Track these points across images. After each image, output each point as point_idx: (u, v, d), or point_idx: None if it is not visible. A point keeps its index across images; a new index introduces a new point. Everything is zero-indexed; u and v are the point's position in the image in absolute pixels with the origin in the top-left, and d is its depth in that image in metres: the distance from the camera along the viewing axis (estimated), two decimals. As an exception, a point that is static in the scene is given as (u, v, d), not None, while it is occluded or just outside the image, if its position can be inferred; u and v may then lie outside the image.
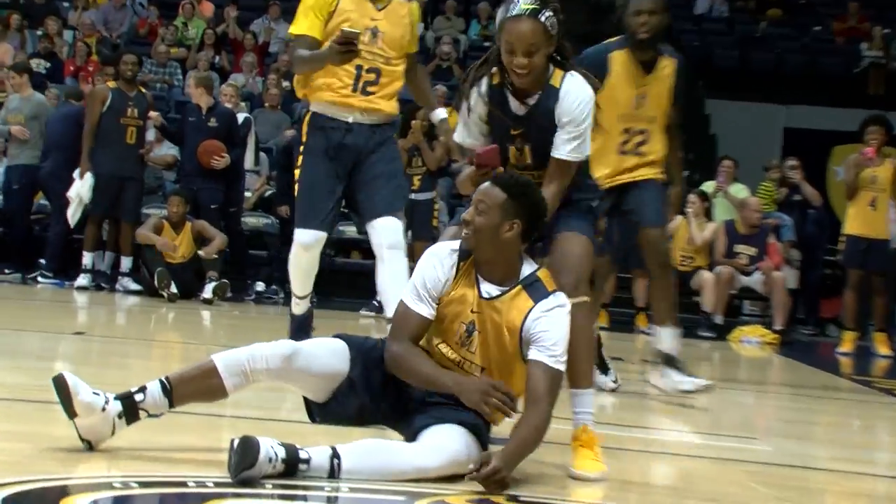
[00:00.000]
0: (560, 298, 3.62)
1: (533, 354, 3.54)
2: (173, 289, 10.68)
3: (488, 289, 3.63)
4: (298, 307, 5.97)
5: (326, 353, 3.59)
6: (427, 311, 3.63)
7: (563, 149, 3.93)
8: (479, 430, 3.58)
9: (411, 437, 3.54)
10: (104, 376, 3.46)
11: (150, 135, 11.71)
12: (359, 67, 5.33)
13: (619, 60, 5.86)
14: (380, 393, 3.62)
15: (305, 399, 3.67)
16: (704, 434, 5.27)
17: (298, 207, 5.55)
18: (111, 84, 11.45)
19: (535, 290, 3.61)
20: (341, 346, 3.62)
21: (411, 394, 3.63)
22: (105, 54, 15.93)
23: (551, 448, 3.85)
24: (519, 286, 3.61)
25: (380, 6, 5.43)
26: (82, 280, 11.20)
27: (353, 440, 3.40)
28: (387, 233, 5.42)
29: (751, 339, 11.62)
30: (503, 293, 3.61)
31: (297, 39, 5.32)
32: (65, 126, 11.79)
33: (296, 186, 5.55)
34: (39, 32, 16.80)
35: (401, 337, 3.62)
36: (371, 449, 3.36)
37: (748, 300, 12.92)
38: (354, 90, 5.36)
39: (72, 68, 16.05)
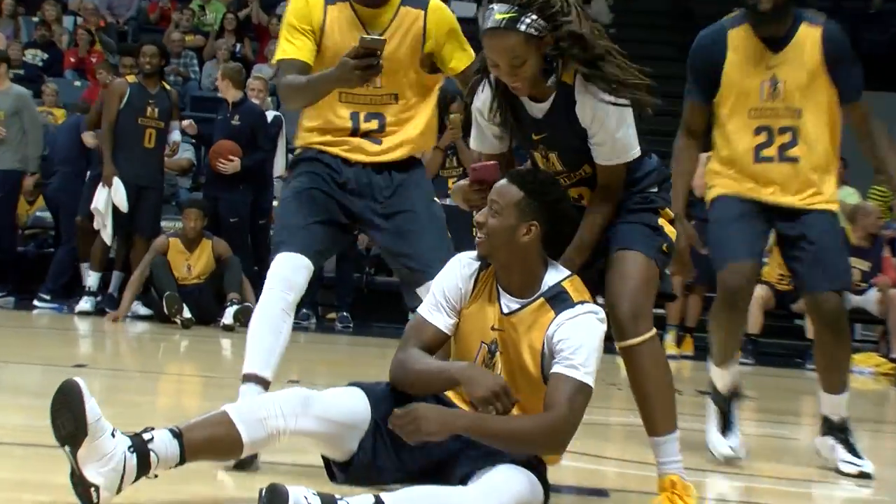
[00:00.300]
0: (589, 307, 3.60)
1: (553, 369, 3.52)
2: (186, 313, 10.75)
3: (508, 302, 3.65)
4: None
5: (345, 398, 3.60)
6: (443, 321, 3.68)
7: (602, 155, 3.93)
8: (539, 472, 3.58)
9: (459, 484, 3.51)
10: (110, 416, 3.48)
11: (176, 135, 11.71)
12: (354, 115, 4.63)
13: (737, 39, 5.17)
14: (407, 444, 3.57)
15: (325, 459, 3.67)
16: (811, 482, 5.22)
17: (276, 238, 4.66)
18: (131, 78, 11.50)
19: (560, 301, 3.60)
20: (358, 391, 3.63)
21: (445, 444, 3.56)
22: (117, 44, 16.11)
23: (629, 497, 3.83)
24: (541, 299, 3.62)
25: (376, 33, 4.50)
26: (85, 304, 11.31)
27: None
28: None
29: (864, 370, 11.50)
30: (522, 307, 3.62)
31: (282, 66, 4.60)
32: (71, 138, 11.98)
33: (274, 228, 4.78)
34: (36, 19, 16.99)
35: (407, 346, 3.66)
36: (420, 495, 3.35)
37: (860, 323, 12.80)
38: (353, 136, 4.67)
39: (72, 60, 16.23)
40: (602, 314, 3.60)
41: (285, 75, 4.54)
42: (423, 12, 4.61)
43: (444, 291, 3.72)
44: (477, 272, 3.72)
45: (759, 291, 11.53)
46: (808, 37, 5.11)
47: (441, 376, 3.55)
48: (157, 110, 11.31)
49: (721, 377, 5.50)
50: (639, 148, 3.95)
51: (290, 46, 4.56)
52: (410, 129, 4.67)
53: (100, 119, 11.43)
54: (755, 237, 5.16)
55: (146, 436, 3.44)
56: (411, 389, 3.60)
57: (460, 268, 3.74)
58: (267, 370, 4.41)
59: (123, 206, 11.08)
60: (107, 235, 11.25)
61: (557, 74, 3.81)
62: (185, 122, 12.10)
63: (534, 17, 3.70)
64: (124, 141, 11.15)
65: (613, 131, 3.86)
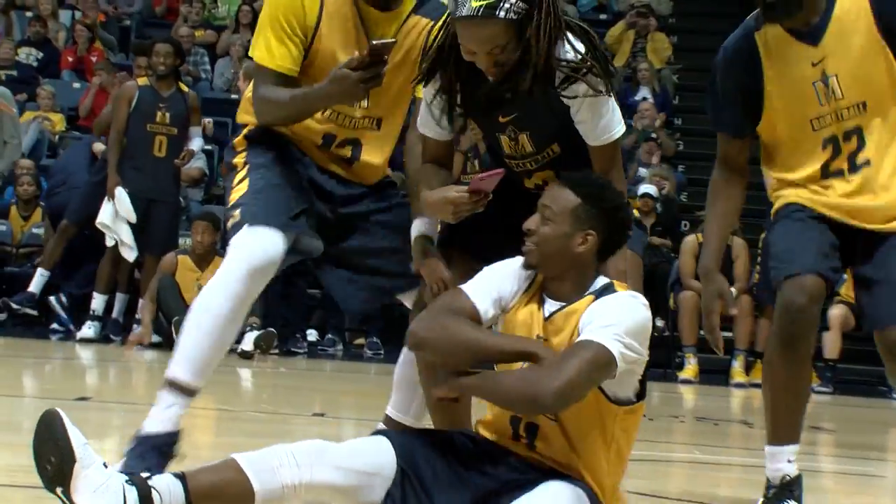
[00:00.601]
0: (631, 292, 3.61)
1: None
2: (199, 340, 10.74)
3: (551, 306, 3.66)
4: (168, 412, 4.11)
5: (366, 446, 3.59)
6: (483, 307, 3.63)
7: (590, 134, 4.00)
8: (594, 499, 3.59)
9: None
10: (114, 455, 3.52)
11: (196, 143, 11.69)
12: (329, 137, 4.40)
13: (768, 41, 4.52)
14: (444, 486, 3.56)
15: None
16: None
17: (246, 208, 4.21)
18: (142, 81, 11.54)
19: (605, 292, 3.60)
20: (381, 438, 3.62)
21: (484, 482, 3.57)
22: (120, 41, 16.22)
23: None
24: (590, 296, 3.61)
25: (382, 40, 4.18)
26: (88, 330, 11.37)
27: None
28: None
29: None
30: (565, 307, 3.62)
31: (260, 73, 4.32)
32: (84, 155, 12.14)
33: (233, 198, 4.30)
34: (29, 14, 17.09)
35: (445, 314, 3.61)
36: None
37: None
38: (322, 151, 4.44)
39: (70, 59, 16.31)
40: (645, 300, 3.60)
41: (264, 84, 4.28)
42: (432, 24, 4.30)
43: (498, 282, 3.70)
44: (533, 276, 3.72)
45: (838, 311, 11.49)
46: (852, 8, 4.47)
47: (510, 347, 3.52)
48: (168, 115, 11.31)
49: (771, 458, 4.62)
50: (623, 125, 4.04)
51: (274, 52, 4.26)
52: (380, 157, 4.51)
53: (109, 125, 11.52)
54: (827, 248, 4.50)
55: (144, 474, 3.45)
56: (453, 357, 3.58)
57: (519, 267, 3.73)
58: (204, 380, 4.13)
59: (131, 216, 11.10)
60: (128, 252, 11.24)
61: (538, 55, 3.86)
62: (207, 121, 12.09)
63: (512, 0, 3.76)
64: (132, 150, 11.21)
65: (603, 97, 3.93)
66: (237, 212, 4.17)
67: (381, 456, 3.54)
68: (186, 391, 4.06)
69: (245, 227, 4.10)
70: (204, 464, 3.51)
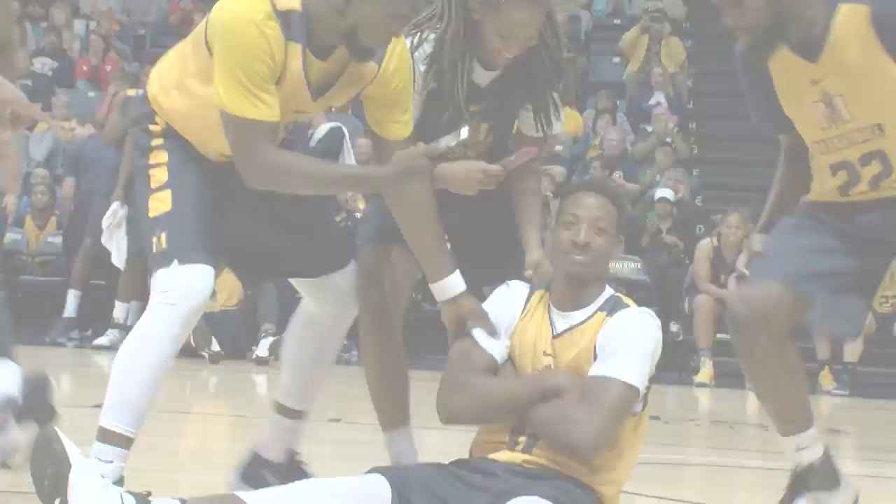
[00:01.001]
0: (643, 309, 3.68)
1: (590, 372, 3.55)
2: (215, 346, 10.77)
3: (559, 320, 3.67)
4: (111, 469, 3.65)
5: (360, 479, 3.58)
6: (498, 351, 3.68)
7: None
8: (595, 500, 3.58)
9: None
10: (128, 462, 3.51)
11: None
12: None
13: (774, 60, 3.94)
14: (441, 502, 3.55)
15: None
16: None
17: (174, 236, 3.79)
18: None
19: (616, 307, 3.65)
20: (373, 473, 3.59)
21: (480, 495, 3.54)
22: (135, 51, 16.22)
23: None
24: (601, 313, 3.64)
25: (319, 91, 3.88)
26: (105, 339, 11.39)
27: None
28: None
29: None
30: (577, 325, 3.64)
31: (248, 127, 3.71)
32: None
33: (154, 209, 3.86)
34: (44, 25, 17.14)
35: (468, 376, 3.65)
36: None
37: None
38: None
39: (85, 68, 16.35)
40: (656, 317, 3.66)
41: (266, 144, 3.73)
42: (377, 69, 3.87)
43: (500, 317, 3.72)
44: (529, 294, 3.75)
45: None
46: (852, 24, 3.79)
47: (536, 387, 3.54)
48: (179, 125, 11.27)
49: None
50: None
51: (259, 103, 3.71)
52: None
53: (117, 135, 11.51)
54: (816, 252, 3.93)
55: (143, 493, 3.46)
56: (490, 420, 3.63)
57: (510, 291, 3.77)
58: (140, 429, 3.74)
59: (105, 223, 11.08)
60: (118, 261, 11.26)
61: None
62: None
63: None
64: None
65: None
66: (163, 238, 3.78)
67: (375, 484, 3.51)
68: (126, 442, 3.68)
69: (175, 265, 3.73)
70: (215, 484, 3.54)
